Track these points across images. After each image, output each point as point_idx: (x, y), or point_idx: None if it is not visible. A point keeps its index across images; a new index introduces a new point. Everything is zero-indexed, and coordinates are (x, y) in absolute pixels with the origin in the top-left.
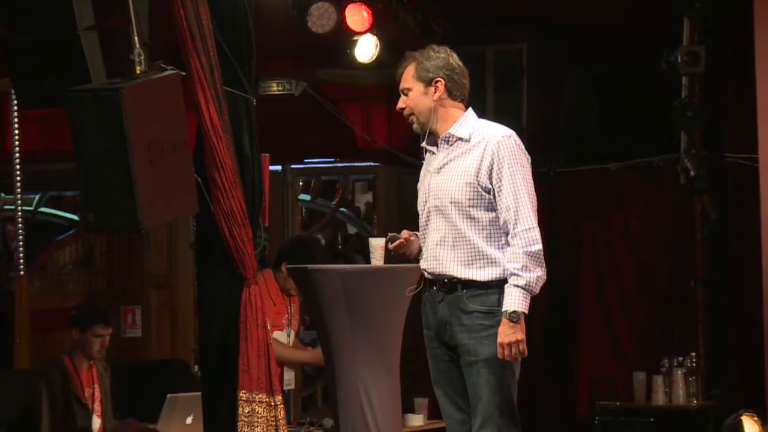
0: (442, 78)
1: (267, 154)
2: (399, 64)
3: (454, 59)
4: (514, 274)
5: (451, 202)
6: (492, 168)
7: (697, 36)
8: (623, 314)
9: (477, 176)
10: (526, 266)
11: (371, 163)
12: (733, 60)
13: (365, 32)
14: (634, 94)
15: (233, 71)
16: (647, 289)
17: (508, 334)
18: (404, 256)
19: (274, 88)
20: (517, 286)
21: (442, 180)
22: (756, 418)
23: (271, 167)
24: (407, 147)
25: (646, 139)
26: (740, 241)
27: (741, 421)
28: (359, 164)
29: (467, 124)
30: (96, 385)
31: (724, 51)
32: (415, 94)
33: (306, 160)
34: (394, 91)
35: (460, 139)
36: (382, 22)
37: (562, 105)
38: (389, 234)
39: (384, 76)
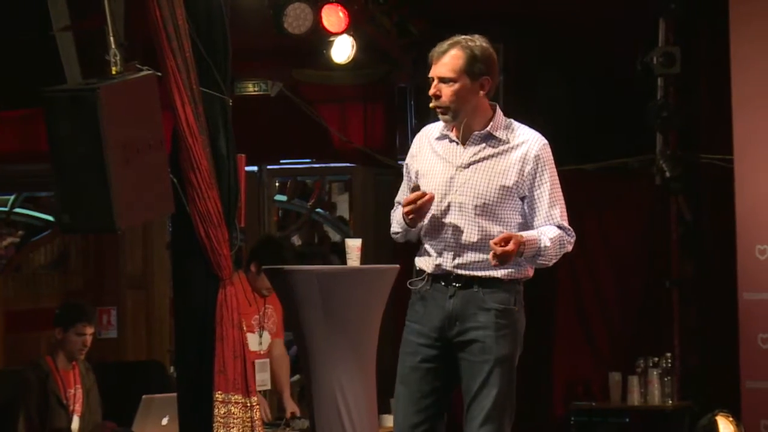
0: (490, 78)
1: (243, 155)
2: (441, 45)
3: (495, 55)
4: (548, 237)
5: (482, 203)
6: (534, 176)
7: (672, 37)
8: (598, 315)
9: (516, 183)
10: (557, 246)
11: (347, 164)
12: (709, 61)
13: (341, 33)
14: (609, 94)
15: (209, 72)
16: (622, 290)
17: (517, 248)
18: (415, 217)
19: (250, 88)
20: (541, 244)
21: (473, 177)
22: (731, 418)
23: (247, 168)
24: (383, 148)
25: (622, 140)
26: (715, 241)
27: (716, 421)
28: (335, 165)
29: (501, 123)
30: (78, 386)
31: (700, 52)
32: (459, 88)
33: (282, 161)
34: (370, 92)
35: (497, 138)
36: (359, 22)
37: (538, 105)
38: (414, 184)
39: (360, 76)
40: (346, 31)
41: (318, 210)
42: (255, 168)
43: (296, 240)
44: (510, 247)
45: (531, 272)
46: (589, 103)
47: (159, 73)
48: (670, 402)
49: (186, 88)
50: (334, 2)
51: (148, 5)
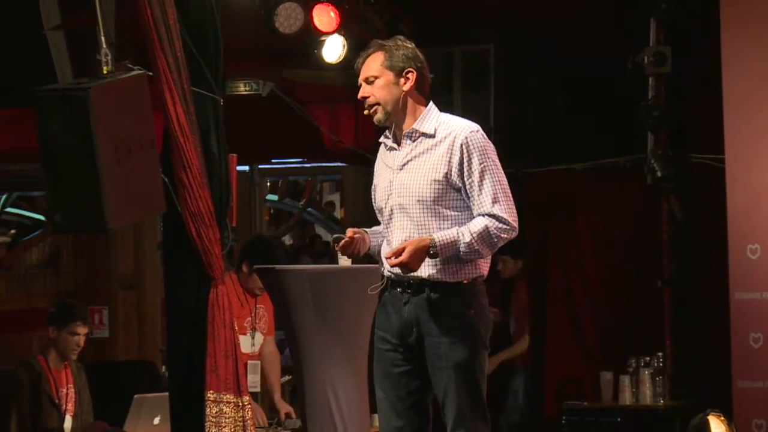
0: (413, 69)
1: (234, 155)
2: (363, 51)
3: (420, 52)
4: (469, 231)
5: (417, 201)
6: (462, 165)
7: (663, 36)
8: (590, 314)
9: (446, 174)
10: (483, 239)
11: (339, 164)
12: (700, 60)
13: (332, 32)
14: (600, 94)
15: (200, 71)
16: (614, 290)
17: (413, 255)
18: (353, 255)
19: (242, 88)
20: (461, 240)
21: (407, 177)
22: (722, 418)
23: (239, 167)
24: (374, 148)
25: (613, 139)
26: (706, 241)
27: (707, 420)
28: (327, 164)
29: (431, 118)
30: (70, 385)
31: (691, 51)
32: (384, 84)
33: (273, 161)
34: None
35: (425, 134)
36: (350, 22)
37: (529, 105)
38: (334, 235)
39: (351, 76)
40: (337, 30)
41: (309, 209)
42: (246, 167)
43: (287, 239)
44: (402, 257)
45: (485, 270)
46: (580, 102)
47: (150, 73)
48: (662, 401)
49: (177, 88)
50: (325, 2)
51: (139, 5)
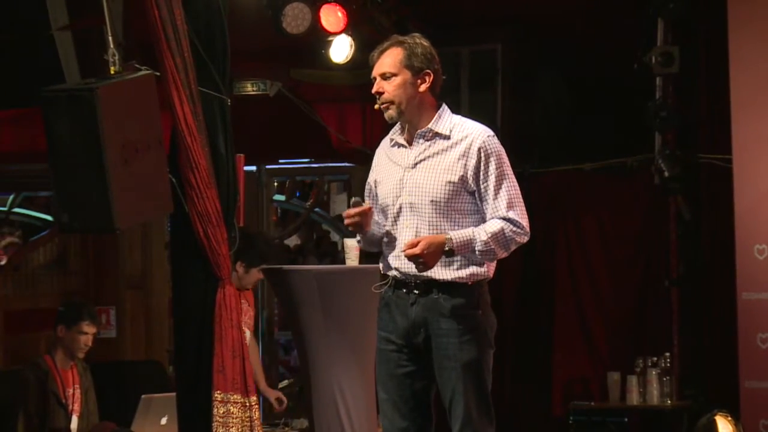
0: (431, 71)
1: (242, 155)
2: (380, 45)
3: (435, 53)
4: (485, 231)
5: (431, 201)
6: (478, 169)
7: (671, 36)
8: (598, 314)
9: (462, 177)
10: (498, 240)
11: (346, 164)
12: (707, 61)
13: (340, 33)
14: (608, 94)
15: (208, 72)
16: (621, 290)
17: (428, 250)
18: (358, 226)
19: (249, 88)
20: (477, 239)
21: (420, 176)
22: (730, 418)
23: (246, 168)
24: None
25: (621, 139)
26: (714, 241)
27: (715, 420)
28: (334, 165)
29: (445, 120)
30: (76, 386)
31: (698, 52)
32: (400, 82)
33: (281, 161)
34: (368, 92)
35: (439, 135)
36: (357, 22)
37: (537, 105)
38: (354, 198)
39: (359, 76)
40: (344, 30)
41: (317, 209)
42: (254, 168)
43: (294, 239)
44: (417, 250)
45: (492, 272)
46: (588, 102)
47: (157, 73)
48: (669, 402)
49: (185, 88)
50: (332, 2)
51: (146, 5)
